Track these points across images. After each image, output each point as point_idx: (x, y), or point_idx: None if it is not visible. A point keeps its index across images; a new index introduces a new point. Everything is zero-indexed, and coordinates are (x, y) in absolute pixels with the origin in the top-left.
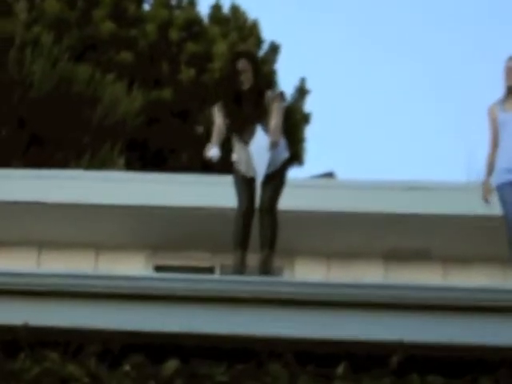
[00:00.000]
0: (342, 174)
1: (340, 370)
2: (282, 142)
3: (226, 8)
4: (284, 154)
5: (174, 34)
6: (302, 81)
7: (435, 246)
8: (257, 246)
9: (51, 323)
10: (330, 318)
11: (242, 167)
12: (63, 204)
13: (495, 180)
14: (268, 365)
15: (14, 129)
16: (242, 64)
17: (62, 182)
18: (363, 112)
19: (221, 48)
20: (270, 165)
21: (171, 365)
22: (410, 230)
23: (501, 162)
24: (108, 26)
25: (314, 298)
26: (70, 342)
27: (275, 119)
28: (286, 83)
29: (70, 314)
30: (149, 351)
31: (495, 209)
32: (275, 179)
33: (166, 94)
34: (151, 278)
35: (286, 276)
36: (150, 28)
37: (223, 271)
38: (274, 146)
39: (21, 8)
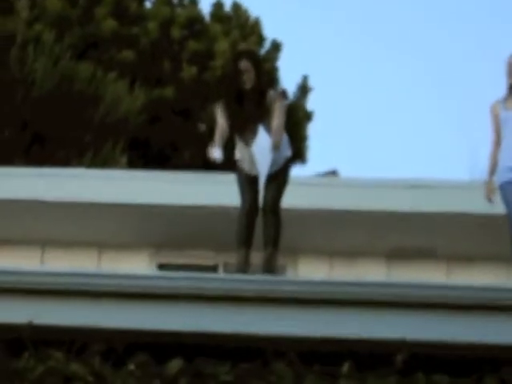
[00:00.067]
0: (345, 172)
1: (345, 368)
2: (285, 141)
3: (227, 6)
4: (286, 152)
5: (175, 32)
6: (305, 78)
7: (438, 245)
8: (260, 245)
9: (55, 322)
10: (334, 316)
11: (245, 166)
12: (66, 202)
13: (498, 179)
14: (273, 364)
15: (16, 127)
16: (244, 64)
17: (65, 181)
18: (366, 110)
19: (222, 46)
20: (272, 164)
21: (175, 364)
22: (412, 228)
23: (503, 161)
24: (110, 24)
25: (317, 297)
26: (74, 340)
27: (277, 120)
28: (288, 81)
29: (74, 313)
30: (153, 350)
31: (498, 207)
32: (278, 178)
33: (168, 92)
34: (155, 277)
35: (289, 274)
36: (152, 26)
37: (226, 270)
38: (276, 147)
39: (22, 6)
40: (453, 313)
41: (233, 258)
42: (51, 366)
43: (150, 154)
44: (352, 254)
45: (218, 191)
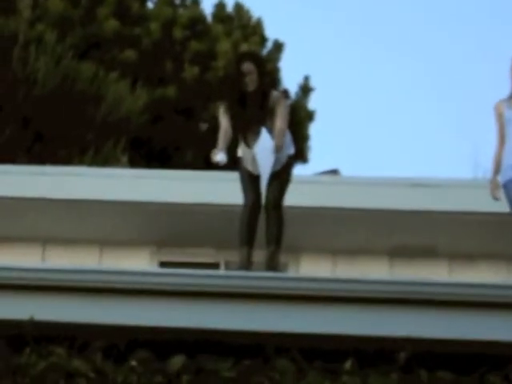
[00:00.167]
0: (346, 172)
1: (347, 365)
2: (287, 138)
3: (229, 6)
4: (289, 150)
5: (177, 33)
6: (306, 79)
7: (441, 243)
8: (263, 243)
9: (57, 318)
10: (337, 313)
11: (247, 165)
12: (67, 200)
13: (501, 177)
14: (275, 360)
15: (18, 126)
16: (247, 66)
17: (67, 179)
18: (367, 109)
19: (224, 46)
20: (275, 163)
21: (178, 360)
22: (415, 227)
23: (507, 160)
24: (112, 24)
25: (320, 294)
26: (76, 337)
27: (280, 122)
28: (290, 81)
29: (75, 309)
30: (155, 346)
31: (500, 206)
32: (281, 176)
33: (170, 91)
34: (157, 274)
35: (292, 273)
36: (154, 26)
37: (228, 267)
38: (277, 150)
39: (24, 6)
40: (456, 310)
41: (234, 256)
42: (53, 362)
43: (151, 153)
44: (354, 252)
45: (219, 189)
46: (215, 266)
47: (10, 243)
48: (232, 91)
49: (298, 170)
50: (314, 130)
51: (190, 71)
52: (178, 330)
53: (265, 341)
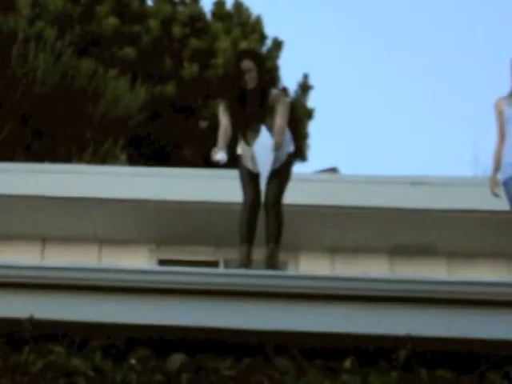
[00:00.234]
0: (345, 170)
1: (347, 363)
2: (287, 136)
3: (229, 4)
4: (289, 147)
5: (177, 30)
6: (305, 77)
7: (440, 242)
8: (262, 241)
9: (56, 316)
10: (337, 311)
11: (247, 163)
12: (66, 198)
13: (501, 175)
14: (275, 359)
15: (17, 123)
16: (247, 63)
17: (65, 176)
18: (367, 107)
19: (224, 44)
20: (275, 161)
21: (177, 358)
22: (415, 225)
23: (507, 157)
24: (111, 22)
25: (320, 292)
26: (75, 335)
27: (279, 120)
28: (289, 79)
29: (74, 308)
30: (154, 345)
31: (499, 204)
32: (280, 174)
33: (169, 89)
34: (156, 272)
35: (291, 271)
36: (153, 24)
37: (227, 265)
38: (277, 148)
39: (24, 3)
40: (456, 308)
41: (234, 254)
42: (52, 361)
43: (150, 151)
44: (354, 250)
45: (218, 187)
46: (214, 264)
47: (8, 241)
48: (231, 89)
49: (298, 168)
50: (313, 128)
51: (190, 69)
52: (178, 329)
53: (264, 339)
